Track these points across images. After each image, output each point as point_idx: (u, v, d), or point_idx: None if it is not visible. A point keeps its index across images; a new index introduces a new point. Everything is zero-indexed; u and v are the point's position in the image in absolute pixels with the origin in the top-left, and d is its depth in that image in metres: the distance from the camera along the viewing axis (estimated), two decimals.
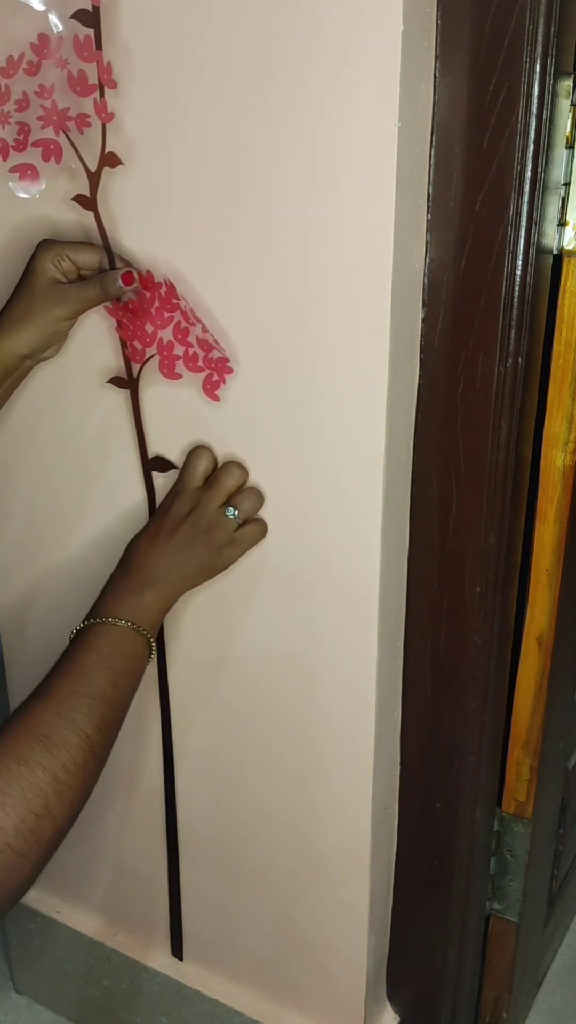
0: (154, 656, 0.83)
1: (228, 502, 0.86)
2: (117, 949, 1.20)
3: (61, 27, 0.78)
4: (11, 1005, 1.34)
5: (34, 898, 1.27)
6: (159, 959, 1.18)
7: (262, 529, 0.88)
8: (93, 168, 0.83)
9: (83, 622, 0.80)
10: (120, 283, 0.81)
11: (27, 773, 0.66)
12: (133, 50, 0.78)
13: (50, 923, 1.25)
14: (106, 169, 0.82)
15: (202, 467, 0.87)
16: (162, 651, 1.01)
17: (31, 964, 1.31)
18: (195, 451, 0.88)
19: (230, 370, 0.84)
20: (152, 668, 1.02)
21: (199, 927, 1.14)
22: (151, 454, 0.92)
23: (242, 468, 0.87)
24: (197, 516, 0.85)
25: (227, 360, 0.84)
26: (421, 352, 0.84)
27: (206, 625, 0.97)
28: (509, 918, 1.12)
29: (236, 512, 0.85)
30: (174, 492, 0.88)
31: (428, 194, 0.78)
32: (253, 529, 0.87)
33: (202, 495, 0.86)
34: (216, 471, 0.87)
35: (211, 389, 0.86)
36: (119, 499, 0.96)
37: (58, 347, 0.88)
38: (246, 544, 0.88)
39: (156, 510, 0.89)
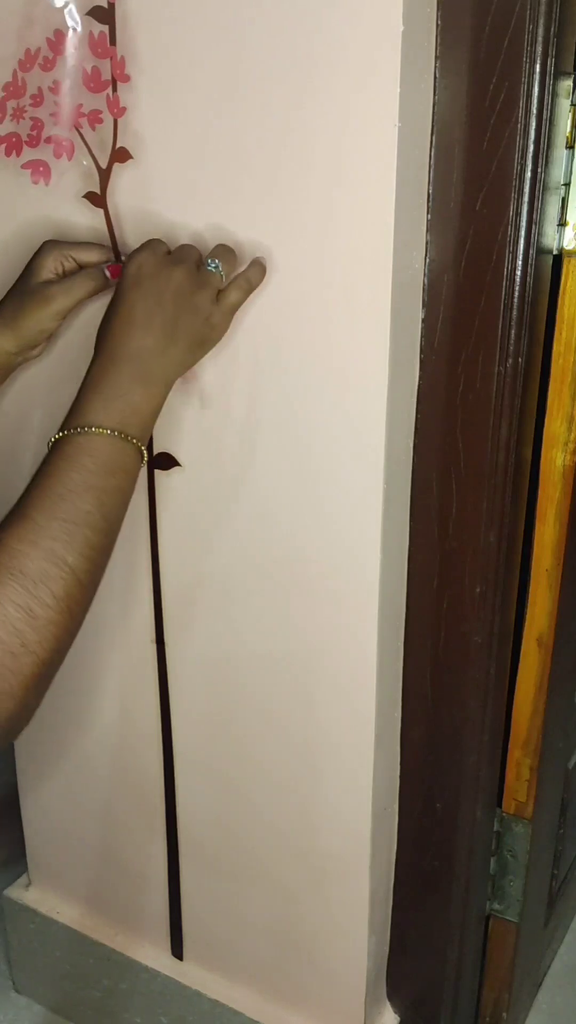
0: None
1: (211, 253, 0.76)
2: (117, 949, 1.20)
3: (77, 24, 0.79)
4: (11, 1005, 1.34)
5: (34, 898, 1.27)
6: (159, 959, 1.18)
7: (250, 281, 0.76)
8: (104, 165, 0.83)
9: (62, 431, 0.69)
10: (107, 275, 0.78)
11: None
12: (143, 47, 0.79)
13: (50, 923, 1.25)
14: (116, 165, 0.82)
15: (161, 243, 0.76)
16: (162, 651, 1.01)
17: (31, 964, 1.31)
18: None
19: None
20: (152, 668, 1.02)
21: (199, 927, 1.14)
22: (156, 450, 0.92)
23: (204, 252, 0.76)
24: (175, 278, 0.72)
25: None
26: (421, 352, 0.84)
27: (206, 625, 0.97)
28: (509, 918, 1.12)
29: (218, 263, 0.74)
30: (140, 257, 0.74)
31: (428, 194, 0.78)
32: (239, 284, 0.76)
33: (176, 253, 0.75)
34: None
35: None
36: None
37: (45, 345, 0.84)
38: (236, 303, 0.76)
39: (123, 275, 0.74)
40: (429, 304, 0.82)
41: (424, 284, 0.81)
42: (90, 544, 0.65)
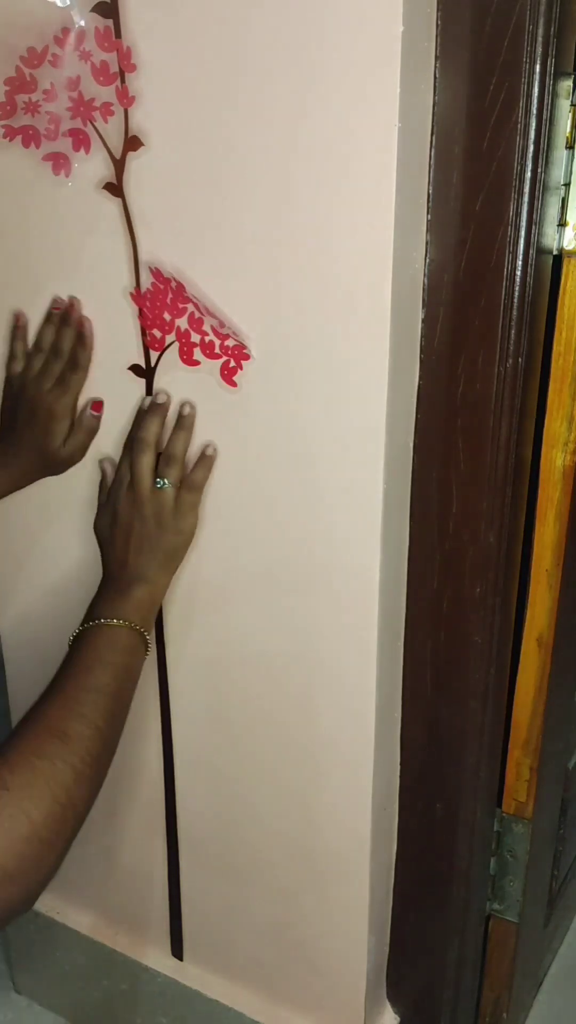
0: (152, 652, 0.84)
1: (156, 474, 0.87)
2: (117, 949, 1.20)
3: (82, 21, 0.81)
4: (11, 1005, 1.34)
5: None
6: (159, 959, 1.18)
7: (200, 481, 0.88)
8: (118, 155, 0.84)
9: (80, 627, 0.85)
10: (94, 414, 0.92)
11: (49, 767, 0.69)
12: (147, 37, 0.79)
13: (50, 923, 1.25)
14: (130, 154, 0.83)
15: (127, 459, 0.89)
16: (162, 652, 1.01)
17: (31, 964, 1.31)
18: (126, 445, 0.90)
19: (247, 356, 0.84)
20: (152, 668, 1.02)
21: (199, 927, 1.14)
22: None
23: (148, 435, 0.87)
24: (139, 507, 0.87)
25: (244, 347, 0.84)
26: (421, 352, 0.84)
27: (206, 625, 0.97)
28: (509, 919, 1.12)
29: (164, 482, 0.87)
30: (114, 491, 0.90)
31: (428, 194, 0.78)
32: (191, 484, 0.88)
33: (133, 486, 0.88)
34: (131, 455, 0.88)
35: (228, 376, 0.86)
36: None
37: None
38: (193, 504, 0.89)
39: (109, 519, 0.91)
40: (429, 304, 0.82)
41: (424, 284, 0.81)
42: (111, 712, 0.78)
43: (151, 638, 0.87)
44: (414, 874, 1.05)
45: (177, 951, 1.17)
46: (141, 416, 0.89)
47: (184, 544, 0.90)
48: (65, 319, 0.90)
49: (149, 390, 0.91)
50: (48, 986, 1.31)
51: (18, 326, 0.93)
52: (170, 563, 0.90)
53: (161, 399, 0.87)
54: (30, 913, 1.25)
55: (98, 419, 0.93)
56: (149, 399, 0.89)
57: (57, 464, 0.93)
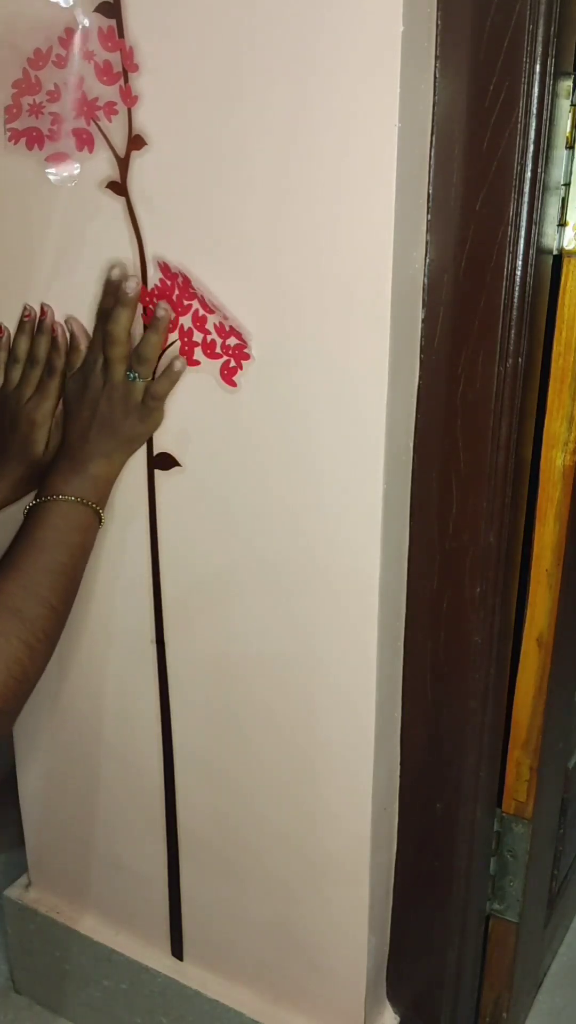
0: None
1: (128, 367, 0.87)
2: (117, 949, 1.20)
3: (86, 21, 0.81)
4: (11, 1005, 1.34)
5: (34, 898, 1.27)
6: (159, 959, 1.18)
7: (162, 392, 0.88)
8: (122, 154, 0.84)
9: (35, 499, 0.86)
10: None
11: (5, 644, 0.74)
12: (150, 36, 0.80)
13: (50, 923, 1.25)
14: (133, 153, 0.83)
15: (98, 348, 0.88)
16: (162, 652, 1.01)
17: (31, 964, 1.31)
18: (97, 317, 0.88)
19: (247, 356, 0.84)
20: (152, 668, 1.02)
21: (199, 927, 1.14)
22: (156, 450, 0.93)
23: (121, 327, 0.85)
24: (109, 391, 0.87)
25: (244, 346, 0.84)
26: (421, 352, 0.84)
27: (206, 625, 0.97)
28: (509, 919, 1.12)
29: (136, 375, 0.86)
30: (87, 367, 0.89)
31: (428, 194, 0.78)
32: (155, 392, 0.88)
33: (107, 370, 0.87)
34: (104, 347, 0.87)
35: (228, 376, 0.86)
36: (120, 496, 0.96)
37: None
38: (158, 407, 0.89)
39: (78, 390, 0.89)
40: (429, 304, 0.82)
41: (424, 284, 0.81)
42: (67, 589, 0.81)
43: (104, 513, 0.88)
44: (414, 874, 1.05)
45: (177, 951, 1.17)
46: (112, 299, 0.86)
47: (146, 434, 0.91)
48: (39, 326, 0.90)
49: None
50: (48, 986, 1.31)
51: None
52: (129, 446, 0.90)
53: (131, 289, 0.85)
54: (30, 913, 1.25)
55: None
56: (115, 271, 0.87)
57: (41, 470, 0.92)
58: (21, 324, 0.92)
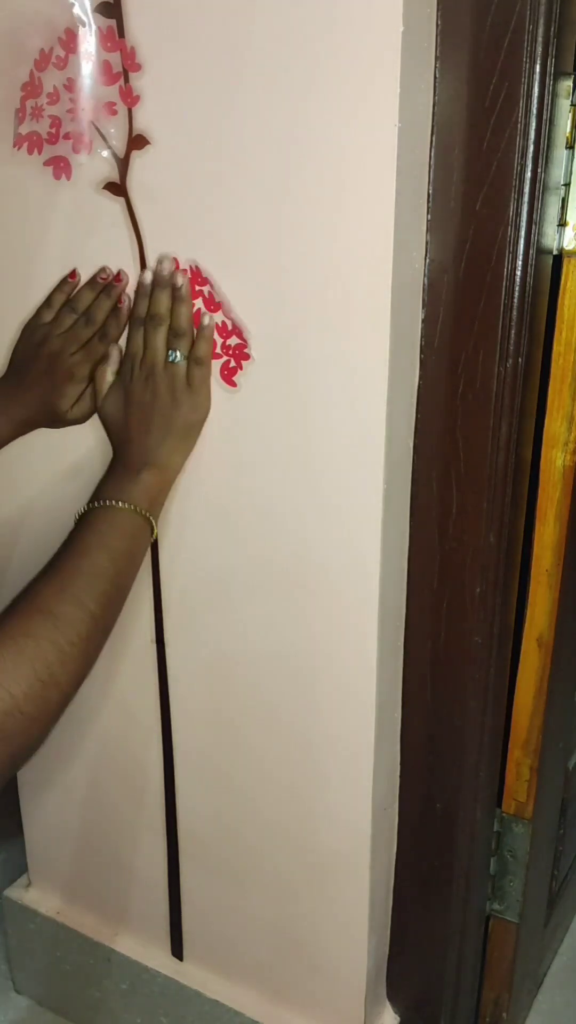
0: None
1: (168, 347, 0.85)
2: (117, 949, 1.20)
3: (86, 21, 0.81)
4: (11, 1005, 1.34)
5: (34, 898, 1.27)
6: (159, 959, 1.18)
7: (206, 354, 0.85)
8: (122, 154, 0.84)
9: (86, 506, 0.84)
10: None
11: (34, 646, 0.71)
12: (150, 36, 0.80)
13: (50, 923, 1.25)
14: (133, 153, 0.83)
15: (140, 336, 0.87)
16: (162, 651, 1.01)
17: (31, 964, 1.31)
18: (131, 321, 0.87)
19: (247, 356, 0.84)
20: (152, 668, 1.02)
21: (199, 927, 1.14)
22: None
23: (161, 309, 0.84)
24: (152, 383, 0.85)
25: (245, 346, 0.84)
26: (421, 352, 0.84)
27: (206, 625, 0.97)
28: (509, 918, 1.12)
29: (176, 354, 0.85)
30: (126, 372, 0.87)
31: (428, 194, 0.78)
32: (199, 358, 0.85)
33: (147, 361, 0.86)
34: (145, 332, 0.86)
35: (228, 376, 0.86)
36: None
37: None
38: (206, 377, 0.86)
39: (119, 399, 0.88)
40: (429, 304, 0.82)
41: (424, 284, 0.81)
42: (107, 595, 0.78)
43: (157, 524, 0.85)
44: (414, 874, 1.05)
45: (177, 951, 1.17)
46: (144, 291, 0.86)
47: (199, 423, 0.88)
48: (107, 290, 0.88)
49: None
50: (48, 986, 1.31)
51: (69, 279, 0.90)
52: (184, 443, 0.88)
53: (165, 269, 0.84)
54: (30, 913, 1.25)
55: None
56: (148, 273, 0.85)
57: (58, 422, 0.92)
58: (92, 280, 0.89)
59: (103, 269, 0.88)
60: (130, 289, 0.88)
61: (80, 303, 0.89)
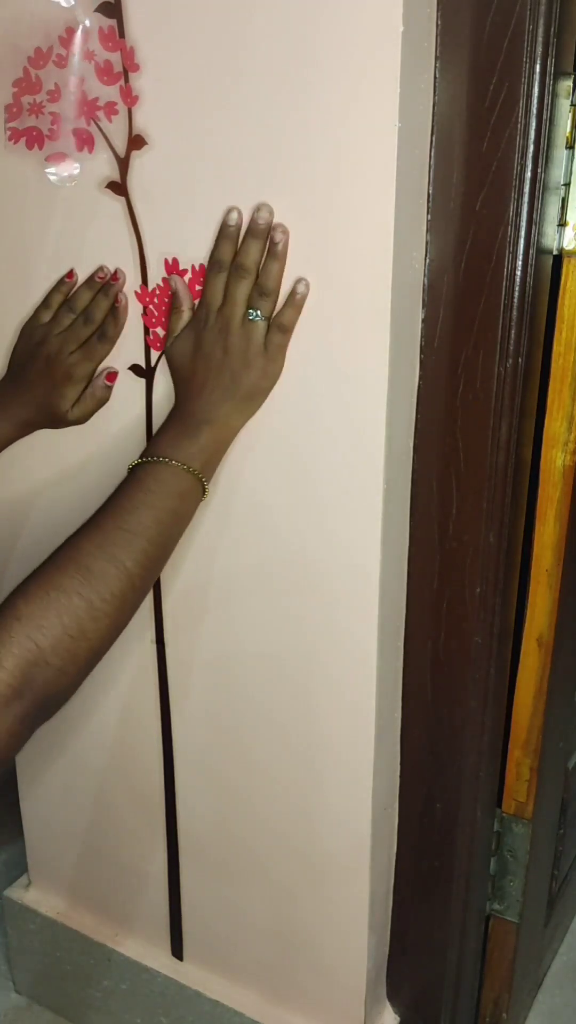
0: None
1: (249, 304, 0.81)
2: (117, 949, 1.20)
3: (87, 21, 0.81)
4: (11, 1005, 1.34)
5: (34, 898, 1.27)
6: (159, 959, 1.18)
7: (290, 322, 0.81)
8: (122, 154, 0.84)
9: (138, 459, 0.82)
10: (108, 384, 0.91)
11: (64, 599, 0.71)
12: (149, 37, 0.80)
13: (50, 923, 1.25)
14: (133, 153, 0.83)
15: (220, 282, 0.82)
16: (162, 652, 1.01)
17: (31, 964, 1.31)
18: (212, 265, 0.82)
19: None
20: (152, 668, 1.02)
21: (199, 927, 1.14)
22: None
23: (248, 261, 0.79)
24: (227, 337, 0.81)
25: None
26: (421, 352, 0.84)
27: (206, 625, 0.97)
28: (509, 918, 1.12)
29: (257, 314, 0.80)
30: (200, 319, 0.83)
31: (428, 194, 0.78)
32: (281, 324, 0.81)
33: (224, 313, 0.81)
34: (228, 278, 0.81)
35: None
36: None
37: None
38: (284, 344, 0.82)
39: (189, 346, 0.84)
40: (429, 304, 0.82)
41: (424, 284, 0.81)
42: (146, 553, 0.76)
43: (209, 485, 0.83)
44: (414, 874, 1.05)
45: (177, 951, 1.17)
46: (231, 237, 0.80)
47: (267, 389, 0.84)
48: (105, 289, 0.88)
49: (149, 390, 0.90)
50: (48, 986, 1.31)
51: (67, 279, 0.90)
52: (248, 407, 0.84)
53: (263, 219, 0.78)
54: (30, 913, 1.25)
55: (110, 389, 0.91)
56: (234, 214, 0.79)
57: (58, 423, 0.92)
58: (90, 279, 0.89)
59: (100, 268, 0.88)
60: (128, 289, 0.88)
61: (78, 302, 0.89)
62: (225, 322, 0.81)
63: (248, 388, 0.82)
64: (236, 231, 0.80)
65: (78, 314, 0.89)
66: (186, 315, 0.85)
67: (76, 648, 0.70)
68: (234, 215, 0.79)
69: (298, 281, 0.79)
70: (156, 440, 0.83)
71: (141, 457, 0.81)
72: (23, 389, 0.90)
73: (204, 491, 0.82)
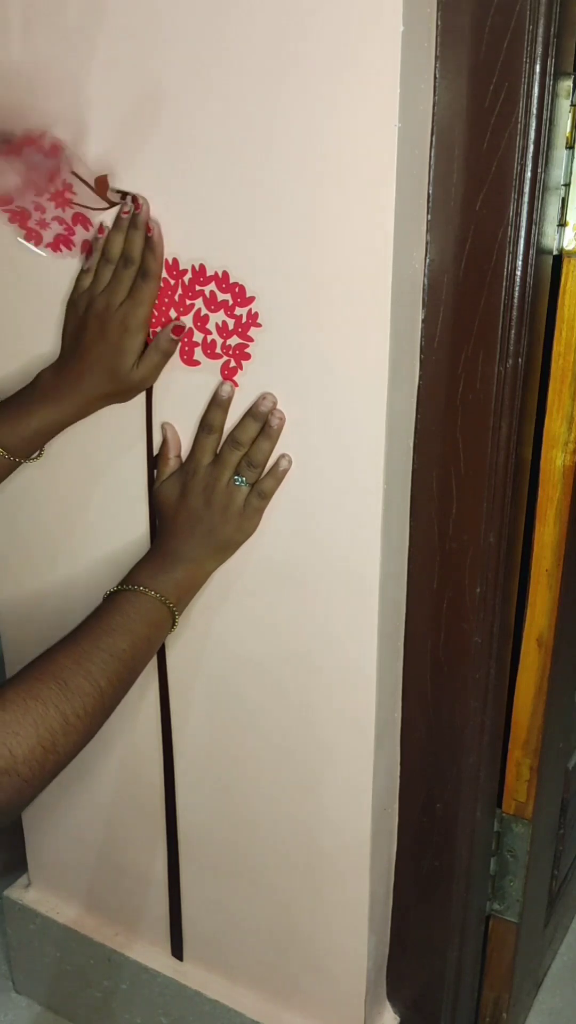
0: (170, 635, 0.84)
1: (236, 471, 0.87)
2: (117, 949, 1.20)
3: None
4: (11, 1005, 1.34)
5: (34, 898, 1.27)
6: (159, 959, 1.18)
7: (270, 490, 0.87)
8: None
9: (117, 586, 0.86)
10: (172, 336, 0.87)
11: (41, 709, 0.72)
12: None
13: (50, 923, 1.25)
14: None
15: (210, 444, 0.87)
16: (162, 652, 1.01)
17: (31, 964, 1.31)
18: (203, 427, 0.88)
19: (248, 356, 0.84)
20: (152, 669, 1.02)
21: (199, 927, 1.14)
22: (156, 450, 0.92)
23: (244, 437, 0.85)
24: (211, 495, 0.87)
25: (246, 346, 0.84)
26: (421, 352, 0.84)
27: (207, 625, 0.97)
28: (509, 918, 1.12)
29: (243, 480, 0.86)
30: (189, 471, 0.89)
31: (428, 194, 0.78)
32: (262, 491, 0.87)
33: (211, 473, 0.87)
34: (221, 445, 0.87)
35: (229, 375, 0.86)
36: (123, 501, 0.96)
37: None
38: (261, 508, 0.88)
39: (176, 491, 0.90)
40: (429, 304, 0.82)
41: (424, 284, 0.81)
42: (119, 676, 0.79)
43: (180, 618, 0.87)
44: (414, 874, 1.05)
45: (177, 951, 1.17)
46: (222, 406, 0.86)
47: (240, 542, 0.90)
48: (133, 222, 0.84)
49: (149, 390, 0.90)
50: (48, 986, 1.31)
51: (98, 234, 0.87)
52: (221, 555, 0.90)
53: (266, 406, 0.84)
54: (30, 913, 1.25)
55: (176, 343, 0.87)
56: (227, 387, 0.85)
57: (126, 389, 0.88)
58: (117, 221, 0.85)
59: (124, 203, 0.84)
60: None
61: (113, 248, 0.85)
62: (212, 480, 0.87)
63: (223, 540, 0.88)
64: (227, 402, 0.86)
65: (116, 261, 0.85)
66: (172, 462, 0.90)
67: (46, 760, 0.72)
68: (226, 388, 0.86)
69: (282, 456, 0.86)
70: (136, 571, 0.88)
71: (120, 585, 0.86)
72: (83, 360, 0.87)
73: (174, 624, 0.87)
